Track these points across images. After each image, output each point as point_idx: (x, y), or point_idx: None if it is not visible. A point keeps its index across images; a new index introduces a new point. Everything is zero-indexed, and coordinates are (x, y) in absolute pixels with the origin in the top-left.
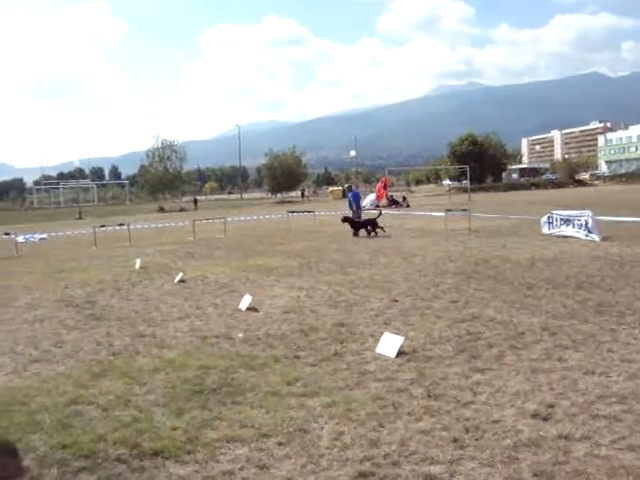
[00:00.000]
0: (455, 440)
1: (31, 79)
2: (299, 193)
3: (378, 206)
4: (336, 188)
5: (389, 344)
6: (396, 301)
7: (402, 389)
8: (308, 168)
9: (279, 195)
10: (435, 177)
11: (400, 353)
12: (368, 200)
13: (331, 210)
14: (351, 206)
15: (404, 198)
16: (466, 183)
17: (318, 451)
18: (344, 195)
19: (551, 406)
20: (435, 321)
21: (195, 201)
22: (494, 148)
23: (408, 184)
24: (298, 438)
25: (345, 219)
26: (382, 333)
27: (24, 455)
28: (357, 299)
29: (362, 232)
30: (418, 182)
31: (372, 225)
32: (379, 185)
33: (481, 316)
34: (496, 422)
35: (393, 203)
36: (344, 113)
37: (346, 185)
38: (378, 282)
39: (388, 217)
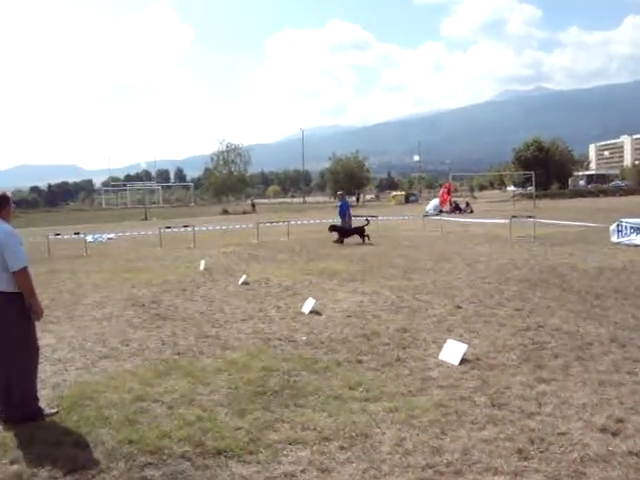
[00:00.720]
0: (519, 451)
1: (100, 84)
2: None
3: (442, 211)
4: (398, 193)
5: (452, 351)
6: (459, 308)
7: (465, 397)
8: (371, 172)
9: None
10: (499, 183)
11: (463, 360)
12: (432, 205)
13: (394, 215)
14: (342, 215)
15: (467, 204)
16: (531, 189)
17: (379, 456)
18: (407, 200)
19: (620, 421)
20: (499, 329)
21: (253, 205)
22: (560, 154)
23: (472, 190)
24: (360, 443)
25: (333, 227)
26: (445, 340)
27: (94, 448)
28: (420, 305)
29: (351, 239)
30: (482, 188)
31: (360, 233)
32: (443, 190)
33: (546, 325)
34: (562, 435)
35: (456, 209)
36: (407, 118)
37: (338, 193)
38: (441, 288)
39: (451, 223)
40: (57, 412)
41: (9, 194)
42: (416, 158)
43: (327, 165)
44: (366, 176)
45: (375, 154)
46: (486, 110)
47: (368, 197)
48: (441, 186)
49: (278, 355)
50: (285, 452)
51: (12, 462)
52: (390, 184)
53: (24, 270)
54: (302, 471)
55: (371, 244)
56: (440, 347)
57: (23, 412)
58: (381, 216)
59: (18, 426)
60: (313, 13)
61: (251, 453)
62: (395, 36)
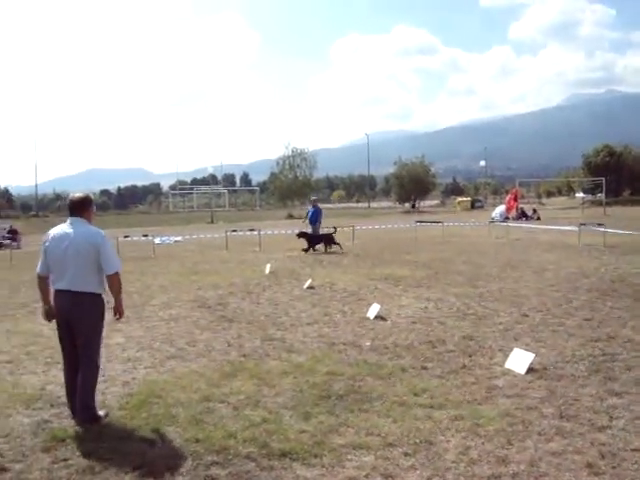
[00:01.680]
0: (589, 465)
1: (168, 89)
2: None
3: (508, 218)
4: (464, 199)
5: (519, 360)
6: (526, 316)
7: (532, 407)
8: (436, 178)
9: (406, 204)
10: (567, 189)
11: (530, 370)
12: (498, 212)
13: (459, 221)
14: (313, 222)
15: (534, 210)
16: (601, 196)
17: (444, 464)
18: (472, 206)
19: None
20: (567, 339)
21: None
22: (633, 159)
23: (539, 196)
24: (424, 450)
25: (301, 234)
26: (511, 348)
27: (162, 445)
28: (486, 312)
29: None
30: (549, 194)
31: (328, 240)
32: (509, 197)
33: (618, 336)
34: (636, 451)
35: (523, 216)
36: (473, 123)
37: (312, 198)
38: (507, 296)
39: (518, 230)
40: (107, 415)
41: (91, 196)
42: (482, 163)
43: (392, 170)
44: (432, 181)
45: (440, 159)
46: (555, 114)
47: (433, 203)
48: (507, 192)
49: (343, 360)
50: (349, 457)
51: (84, 455)
52: (455, 189)
53: (117, 273)
54: (366, 476)
55: (343, 252)
56: (506, 355)
57: (91, 412)
58: (446, 222)
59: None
60: (379, 19)
61: (315, 456)
62: (461, 40)
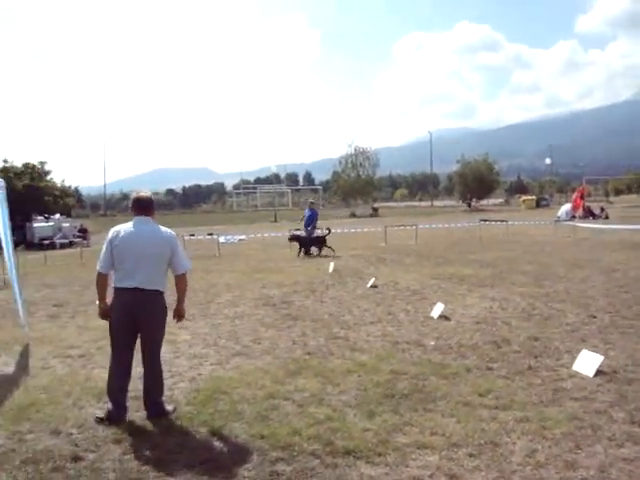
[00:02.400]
0: None
1: (233, 89)
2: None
3: (574, 217)
4: (529, 197)
5: (587, 362)
6: (594, 317)
7: (601, 411)
8: (500, 176)
9: (464, 203)
10: (638, 187)
11: (598, 372)
12: (563, 210)
13: (524, 220)
14: (307, 225)
15: (602, 209)
16: None
17: (510, 467)
18: (538, 205)
19: None
20: (638, 341)
21: (375, 209)
22: None
23: (607, 194)
24: (489, 451)
25: (293, 237)
26: (579, 350)
27: (228, 440)
28: (552, 313)
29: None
30: (618, 192)
31: (320, 243)
32: (575, 195)
33: None
34: None
35: (590, 214)
36: (538, 119)
37: (309, 201)
38: (575, 296)
39: (584, 229)
40: (175, 409)
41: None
42: (548, 161)
43: (455, 168)
44: (495, 179)
45: (504, 157)
46: (623, 110)
47: (497, 201)
48: (574, 190)
49: (407, 359)
50: (413, 456)
51: (153, 448)
52: (520, 188)
53: (185, 274)
54: (430, 476)
55: (336, 255)
56: (573, 357)
57: (160, 407)
58: (511, 220)
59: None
60: (442, 16)
61: (379, 455)
62: (526, 35)
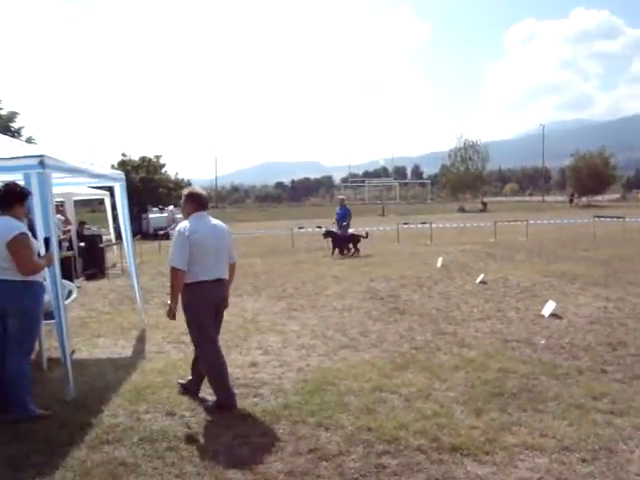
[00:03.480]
0: None
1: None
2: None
3: None
4: None
5: None
6: None
7: None
8: (617, 170)
9: (584, 199)
10: None
11: None
12: None
13: None
14: (339, 222)
15: None
16: None
17: (627, 476)
18: None
19: None
20: None
21: (484, 204)
22: None
23: None
24: (604, 457)
25: (328, 234)
26: None
27: (334, 431)
28: None
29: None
30: None
31: (356, 242)
32: None
33: None
34: None
35: None
36: None
37: (340, 197)
38: None
39: None
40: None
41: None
42: None
43: (568, 162)
44: (611, 174)
45: (623, 150)
46: None
47: (613, 197)
48: None
49: (516, 357)
50: (522, 457)
51: (262, 435)
52: (638, 183)
53: (235, 263)
54: (539, 479)
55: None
56: None
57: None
58: (628, 217)
59: (263, 403)
60: (557, 2)
61: (487, 453)
62: None
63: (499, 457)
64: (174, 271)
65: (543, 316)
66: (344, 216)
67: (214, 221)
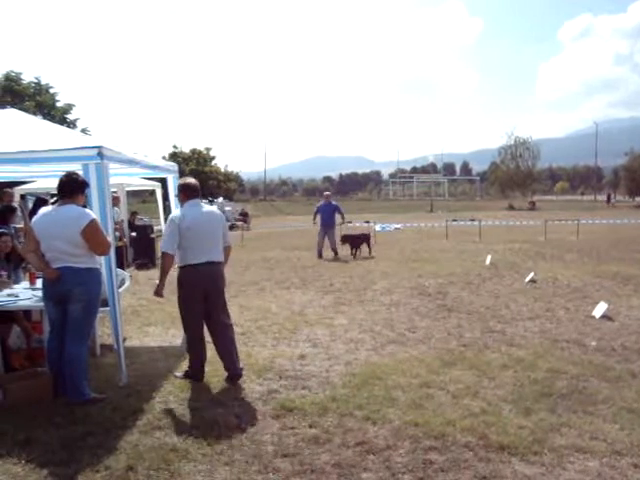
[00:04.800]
0: None
1: (390, 78)
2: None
3: None
4: None
5: None
6: None
7: None
8: None
9: (638, 198)
10: None
11: None
12: None
13: None
14: (323, 220)
15: None
16: None
17: None
18: None
19: None
20: None
21: (532, 203)
22: None
23: None
24: None
25: (346, 239)
26: None
27: (381, 425)
28: None
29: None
30: None
31: (367, 240)
32: None
33: None
34: None
35: None
36: None
37: (325, 193)
38: None
39: None
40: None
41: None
42: None
43: (622, 161)
44: None
45: None
46: None
47: None
48: None
49: (566, 358)
50: (571, 459)
51: (309, 426)
52: None
53: (230, 246)
54: None
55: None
56: None
57: (241, 370)
58: None
59: (311, 395)
60: None
61: (535, 454)
62: None
63: (548, 458)
64: (163, 255)
65: (594, 317)
66: (331, 213)
67: (206, 208)
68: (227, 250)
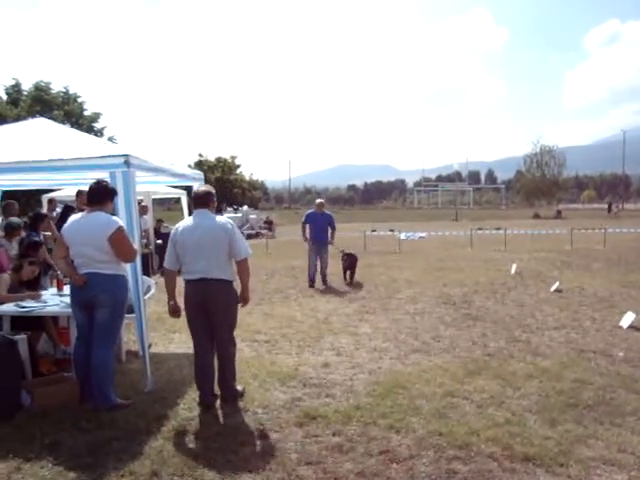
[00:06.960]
0: None
1: (415, 88)
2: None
3: None
4: None
5: None
6: None
7: None
8: None
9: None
10: None
11: None
12: None
13: None
14: (314, 232)
15: None
16: None
17: None
18: None
19: None
20: None
21: (558, 212)
22: None
23: None
24: None
25: (347, 257)
26: None
27: (405, 434)
28: None
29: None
30: None
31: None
32: None
33: None
34: None
35: None
36: None
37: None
38: None
39: None
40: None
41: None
42: None
43: None
44: None
45: None
46: None
47: None
48: None
49: (592, 368)
50: (598, 471)
51: (333, 434)
52: None
53: (246, 260)
54: None
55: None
56: None
57: (234, 391)
58: None
59: (335, 404)
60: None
61: (561, 465)
62: None
63: (574, 470)
64: (164, 271)
65: (621, 327)
66: (324, 226)
67: (207, 218)
68: (240, 265)
